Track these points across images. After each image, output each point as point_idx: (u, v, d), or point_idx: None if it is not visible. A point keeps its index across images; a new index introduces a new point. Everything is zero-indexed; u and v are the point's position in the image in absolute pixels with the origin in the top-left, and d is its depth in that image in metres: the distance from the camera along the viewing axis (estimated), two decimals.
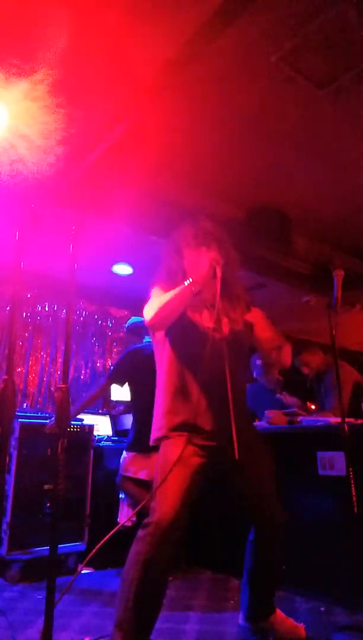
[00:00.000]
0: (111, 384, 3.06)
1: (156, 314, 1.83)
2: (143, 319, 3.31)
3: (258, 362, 3.69)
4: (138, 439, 2.94)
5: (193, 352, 1.89)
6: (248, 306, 2.09)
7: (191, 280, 1.81)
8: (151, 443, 1.94)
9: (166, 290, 1.90)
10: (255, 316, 2.07)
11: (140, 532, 1.70)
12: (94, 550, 1.68)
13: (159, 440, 1.89)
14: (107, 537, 1.67)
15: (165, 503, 1.69)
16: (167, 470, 1.74)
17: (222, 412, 1.85)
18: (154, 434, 1.92)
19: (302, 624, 1.99)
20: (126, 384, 3.09)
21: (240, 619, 2.05)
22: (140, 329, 3.25)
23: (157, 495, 1.73)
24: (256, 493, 1.92)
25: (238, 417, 1.86)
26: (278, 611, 2.02)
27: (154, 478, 1.82)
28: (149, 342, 3.10)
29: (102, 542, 1.67)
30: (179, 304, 1.84)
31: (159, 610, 1.68)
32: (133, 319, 3.46)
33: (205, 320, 1.94)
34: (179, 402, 1.88)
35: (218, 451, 1.84)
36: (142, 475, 2.78)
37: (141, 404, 3.01)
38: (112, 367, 3.24)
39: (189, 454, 1.79)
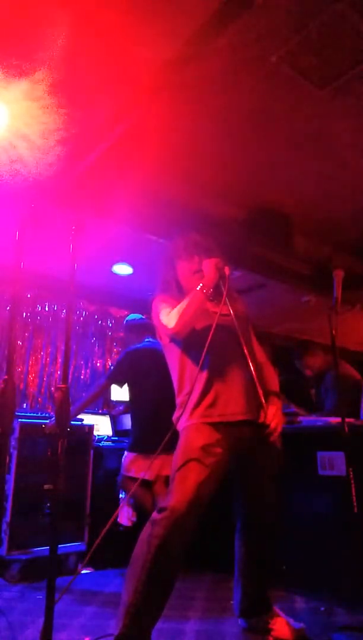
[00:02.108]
0: (111, 384, 3.06)
1: (179, 321, 1.91)
2: (140, 316, 3.31)
3: None
4: (139, 439, 2.93)
5: (207, 335, 1.93)
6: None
7: (202, 285, 1.92)
8: (177, 425, 1.93)
9: (169, 300, 2.02)
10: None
11: (156, 516, 1.70)
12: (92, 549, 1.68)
13: (183, 428, 1.89)
14: (102, 534, 1.66)
15: (183, 488, 1.70)
16: (189, 456, 1.75)
17: (247, 391, 1.90)
18: (179, 423, 1.93)
19: (302, 624, 1.98)
20: (126, 384, 3.09)
21: (239, 618, 2.05)
22: (139, 327, 3.25)
23: (176, 479, 1.73)
24: (258, 483, 1.93)
25: (262, 395, 1.91)
26: (278, 611, 2.02)
27: (174, 462, 1.80)
28: (149, 342, 3.11)
29: (98, 541, 1.66)
30: (197, 308, 1.93)
31: (168, 597, 1.67)
32: (132, 315, 3.44)
33: (211, 307, 2.02)
34: (200, 389, 1.90)
35: (241, 431, 1.86)
36: (144, 475, 2.77)
37: (141, 404, 3.01)
38: (111, 367, 3.24)
39: (213, 443, 1.80)
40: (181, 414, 1.92)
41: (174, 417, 1.97)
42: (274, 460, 1.98)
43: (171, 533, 1.64)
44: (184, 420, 1.89)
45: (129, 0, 1.87)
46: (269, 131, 2.63)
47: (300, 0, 1.87)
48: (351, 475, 2.00)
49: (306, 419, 2.98)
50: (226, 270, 1.95)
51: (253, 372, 1.92)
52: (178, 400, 1.98)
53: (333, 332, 2.14)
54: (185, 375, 1.97)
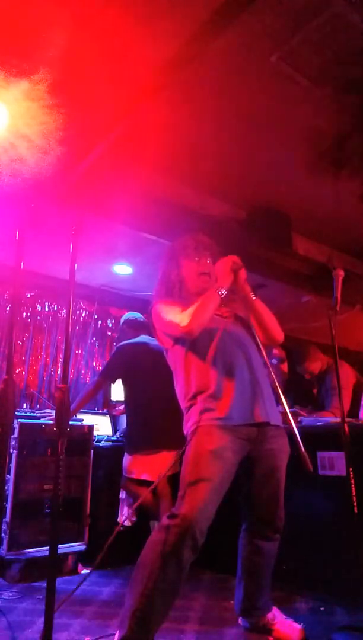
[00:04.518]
0: (105, 380, 3.02)
1: (193, 320, 1.88)
2: (139, 315, 3.30)
3: (274, 360, 3.67)
4: (136, 439, 2.92)
5: (213, 338, 1.95)
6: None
7: (218, 286, 1.93)
8: (185, 431, 1.92)
9: (175, 303, 1.99)
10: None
11: (166, 522, 1.68)
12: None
13: (192, 431, 1.87)
14: (109, 539, 1.66)
15: (195, 495, 1.69)
16: (200, 461, 1.74)
17: (255, 394, 1.90)
18: (186, 427, 1.91)
19: (301, 624, 1.98)
20: (120, 381, 3.05)
21: (239, 618, 2.05)
22: (137, 324, 3.23)
23: (187, 485, 1.72)
24: (266, 484, 1.93)
25: (267, 397, 1.93)
26: (277, 611, 2.02)
27: (184, 466, 1.78)
28: (144, 338, 3.08)
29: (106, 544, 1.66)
30: (212, 309, 1.93)
31: (174, 600, 1.68)
32: (131, 314, 3.40)
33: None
34: (209, 392, 1.89)
35: (250, 433, 1.86)
36: (145, 476, 2.77)
37: (137, 402, 2.99)
38: (105, 364, 3.20)
39: (224, 446, 1.78)
40: (189, 417, 1.91)
41: (184, 421, 1.96)
42: (282, 462, 1.97)
43: (182, 541, 1.64)
44: (193, 423, 1.87)
45: (129, 0, 1.88)
46: (269, 131, 2.63)
47: (300, 0, 1.87)
48: (351, 475, 1.99)
49: (306, 419, 2.98)
50: (243, 272, 1.97)
51: (261, 374, 1.92)
52: (185, 403, 1.96)
53: (333, 332, 2.13)
54: (191, 379, 1.95)
